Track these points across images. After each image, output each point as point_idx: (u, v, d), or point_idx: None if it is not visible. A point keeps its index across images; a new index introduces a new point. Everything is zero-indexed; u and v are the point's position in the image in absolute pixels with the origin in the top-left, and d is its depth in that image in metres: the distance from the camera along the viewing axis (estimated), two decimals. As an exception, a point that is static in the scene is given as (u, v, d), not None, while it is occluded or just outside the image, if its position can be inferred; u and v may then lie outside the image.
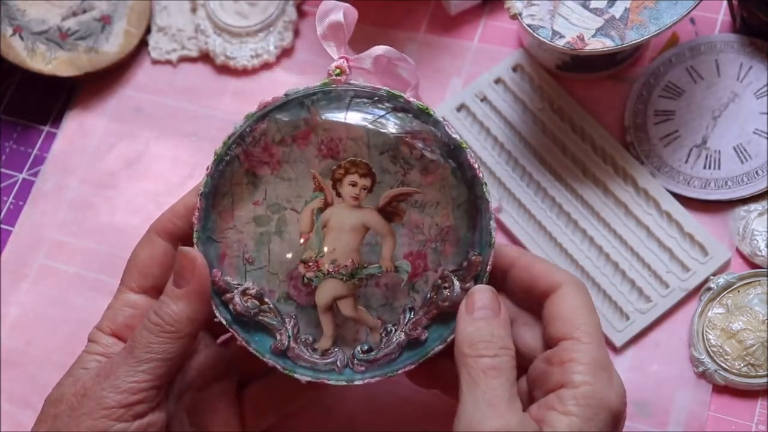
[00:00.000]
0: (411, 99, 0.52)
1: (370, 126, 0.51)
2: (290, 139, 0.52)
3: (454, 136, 0.51)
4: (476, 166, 0.51)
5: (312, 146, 0.52)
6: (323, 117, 0.52)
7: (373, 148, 0.51)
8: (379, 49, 0.54)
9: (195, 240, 0.52)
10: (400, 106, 0.52)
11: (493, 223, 0.51)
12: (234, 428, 0.55)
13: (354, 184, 0.52)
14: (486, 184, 0.51)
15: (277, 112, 0.52)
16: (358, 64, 0.53)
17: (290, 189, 0.52)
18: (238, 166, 0.52)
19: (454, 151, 0.51)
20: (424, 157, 0.51)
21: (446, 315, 0.51)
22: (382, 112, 0.52)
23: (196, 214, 0.52)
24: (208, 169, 0.52)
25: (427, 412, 0.60)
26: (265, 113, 0.52)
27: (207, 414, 0.54)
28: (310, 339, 0.52)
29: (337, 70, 0.52)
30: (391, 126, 0.51)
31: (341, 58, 0.53)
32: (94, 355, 0.52)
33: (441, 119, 0.52)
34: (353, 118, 0.52)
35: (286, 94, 0.52)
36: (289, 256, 0.52)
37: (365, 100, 0.52)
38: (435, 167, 0.51)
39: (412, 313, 0.52)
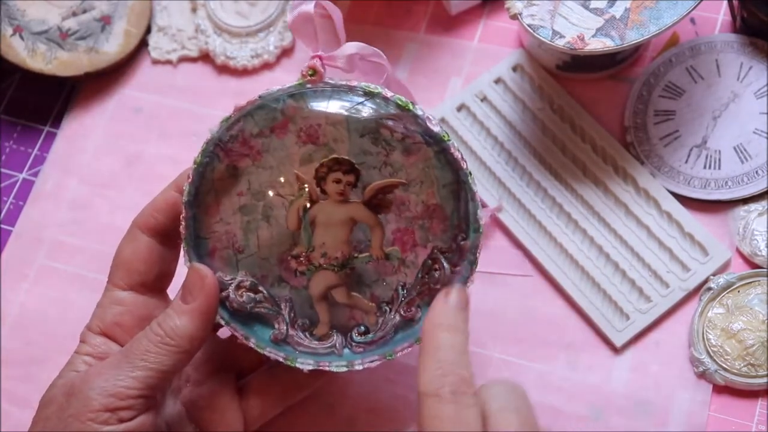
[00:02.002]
0: (389, 95, 0.52)
1: (348, 113, 0.51)
2: (268, 131, 0.52)
3: (435, 129, 0.51)
4: (459, 156, 0.51)
5: (291, 134, 0.52)
6: (302, 106, 0.52)
7: (353, 132, 0.51)
8: (352, 47, 0.54)
9: (184, 248, 0.52)
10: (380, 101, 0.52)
11: (480, 212, 0.52)
12: (234, 421, 0.55)
13: (338, 181, 0.52)
14: (471, 174, 0.52)
15: (253, 113, 0.52)
16: (331, 62, 0.53)
17: (272, 176, 0.52)
18: (218, 163, 0.52)
19: (436, 138, 0.52)
20: (405, 138, 0.51)
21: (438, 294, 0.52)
22: (361, 100, 0.52)
23: (183, 223, 0.52)
24: (189, 177, 0.52)
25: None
26: (241, 116, 0.52)
27: (206, 409, 0.54)
28: (308, 323, 0.53)
29: (311, 71, 0.52)
30: (370, 111, 0.52)
31: (314, 57, 0.53)
32: (83, 356, 0.52)
33: (421, 113, 0.52)
34: (333, 106, 0.52)
35: (260, 96, 0.52)
36: (279, 239, 0.52)
37: (343, 93, 0.52)
38: (417, 148, 0.52)
39: (405, 291, 0.52)
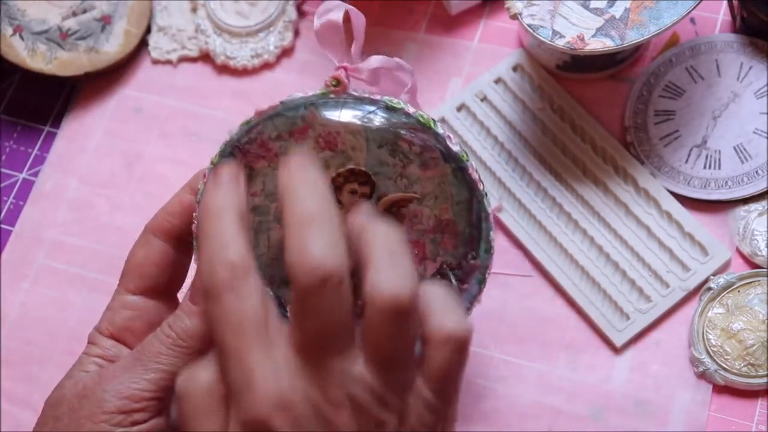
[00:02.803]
0: (411, 111, 0.51)
1: (367, 123, 0.51)
2: (287, 135, 0.52)
3: (455, 149, 0.51)
4: (477, 177, 0.51)
5: (309, 140, 0.52)
6: (322, 113, 0.52)
7: (371, 142, 0.51)
8: (377, 61, 0.53)
9: (195, 246, 0.52)
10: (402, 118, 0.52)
11: (492, 234, 0.52)
12: None
13: (354, 192, 0.52)
14: (487, 195, 0.52)
15: (274, 118, 0.52)
16: (356, 74, 0.53)
17: None
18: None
19: (455, 158, 0.51)
20: (423, 153, 0.51)
21: None
22: (383, 113, 0.52)
23: (195, 222, 0.52)
24: (204, 176, 0.52)
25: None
26: (261, 120, 0.52)
27: None
28: None
29: (335, 81, 0.52)
30: (390, 122, 0.51)
31: (340, 68, 0.52)
32: (93, 357, 0.52)
33: (441, 132, 0.51)
34: (353, 116, 0.52)
35: (282, 102, 0.52)
36: None
37: (366, 105, 0.52)
38: (435, 163, 0.51)
39: None
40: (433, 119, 0.52)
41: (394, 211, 0.52)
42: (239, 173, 0.42)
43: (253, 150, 0.52)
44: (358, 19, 0.53)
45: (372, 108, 0.52)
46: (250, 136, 0.52)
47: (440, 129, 0.51)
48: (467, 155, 0.51)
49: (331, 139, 0.52)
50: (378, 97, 0.52)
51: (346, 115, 0.51)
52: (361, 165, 0.51)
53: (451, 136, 0.51)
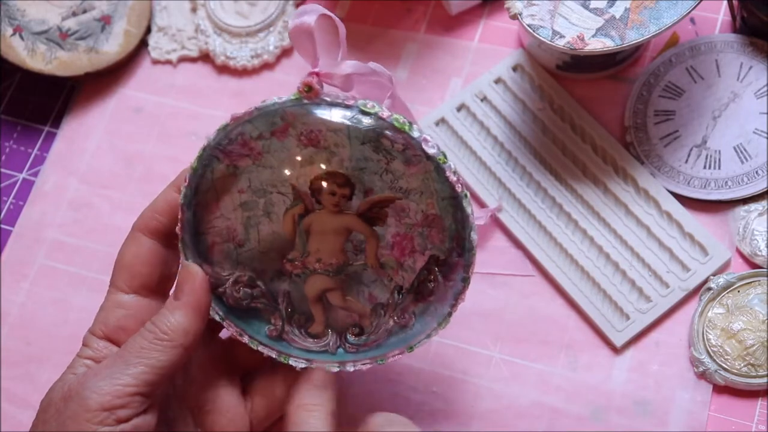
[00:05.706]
0: (385, 115, 0.51)
1: (348, 122, 0.51)
2: (268, 134, 0.52)
3: (431, 151, 0.51)
4: (455, 180, 0.51)
5: (291, 137, 0.52)
6: (301, 112, 0.52)
7: (354, 139, 0.51)
8: (349, 68, 0.53)
9: (181, 248, 0.52)
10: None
11: (474, 235, 0.52)
12: (241, 423, 0.55)
13: (333, 193, 0.52)
14: (467, 196, 0.52)
15: (252, 120, 0.52)
16: (328, 80, 0.53)
17: (274, 175, 0.52)
18: (218, 163, 0.52)
19: (433, 161, 0.52)
20: (406, 150, 0.51)
21: (431, 306, 0.52)
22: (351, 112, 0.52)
23: (179, 225, 0.52)
24: (186, 180, 0.52)
25: (426, 412, 0.61)
26: (238, 125, 0.52)
27: (212, 412, 0.54)
28: (304, 318, 0.53)
29: (307, 87, 0.52)
30: (371, 121, 0.51)
31: (311, 74, 0.52)
32: (84, 359, 0.52)
33: (417, 135, 0.51)
34: (333, 115, 0.52)
35: (257, 108, 0.52)
36: (280, 234, 0.53)
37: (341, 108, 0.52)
38: (417, 160, 0.52)
39: (401, 296, 0.53)
40: (408, 122, 0.51)
41: (376, 210, 0.52)
42: (333, 378, 0.53)
43: (236, 150, 0.52)
44: (339, 26, 0.53)
45: (351, 112, 0.52)
46: (230, 137, 0.52)
47: (416, 132, 0.51)
48: (446, 157, 0.51)
49: (313, 137, 0.52)
50: (352, 102, 0.52)
51: (327, 114, 0.52)
52: (346, 160, 0.52)
53: (428, 138, 0.51)
